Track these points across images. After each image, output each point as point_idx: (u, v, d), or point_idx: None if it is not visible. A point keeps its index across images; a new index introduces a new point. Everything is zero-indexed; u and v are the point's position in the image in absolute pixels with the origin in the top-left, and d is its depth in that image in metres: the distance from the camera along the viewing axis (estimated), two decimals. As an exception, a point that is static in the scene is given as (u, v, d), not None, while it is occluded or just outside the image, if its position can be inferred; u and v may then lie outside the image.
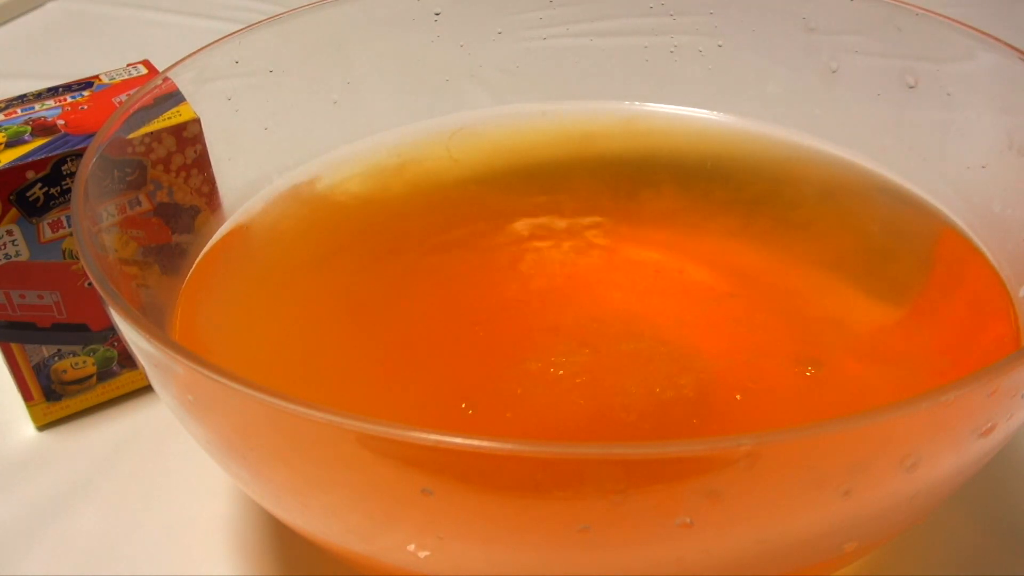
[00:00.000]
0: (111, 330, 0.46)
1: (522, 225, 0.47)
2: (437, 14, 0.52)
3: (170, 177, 0.43)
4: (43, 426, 0.48)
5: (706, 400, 0.37)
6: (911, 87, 0.46)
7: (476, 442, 0.24)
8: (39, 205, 0.42)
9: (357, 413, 0.24)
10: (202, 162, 0.44)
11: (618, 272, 0.45)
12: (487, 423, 0.36)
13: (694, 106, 0.53)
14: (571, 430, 0.36)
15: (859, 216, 0.47)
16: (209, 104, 0.45)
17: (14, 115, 0.44)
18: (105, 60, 0.54)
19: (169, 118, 0.43)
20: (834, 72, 0.50)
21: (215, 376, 0.26)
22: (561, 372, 0.38)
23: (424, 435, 0.24)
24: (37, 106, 0.44)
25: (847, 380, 0.38)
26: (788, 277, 0.44)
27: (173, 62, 0.44)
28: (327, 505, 0.31)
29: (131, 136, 0.41)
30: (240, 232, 0.46)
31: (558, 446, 0.24)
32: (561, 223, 0.47)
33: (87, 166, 0.37)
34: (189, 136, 0.43)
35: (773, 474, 0.25)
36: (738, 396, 0.37)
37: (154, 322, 0.35)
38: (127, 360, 0.48)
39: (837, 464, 0.26)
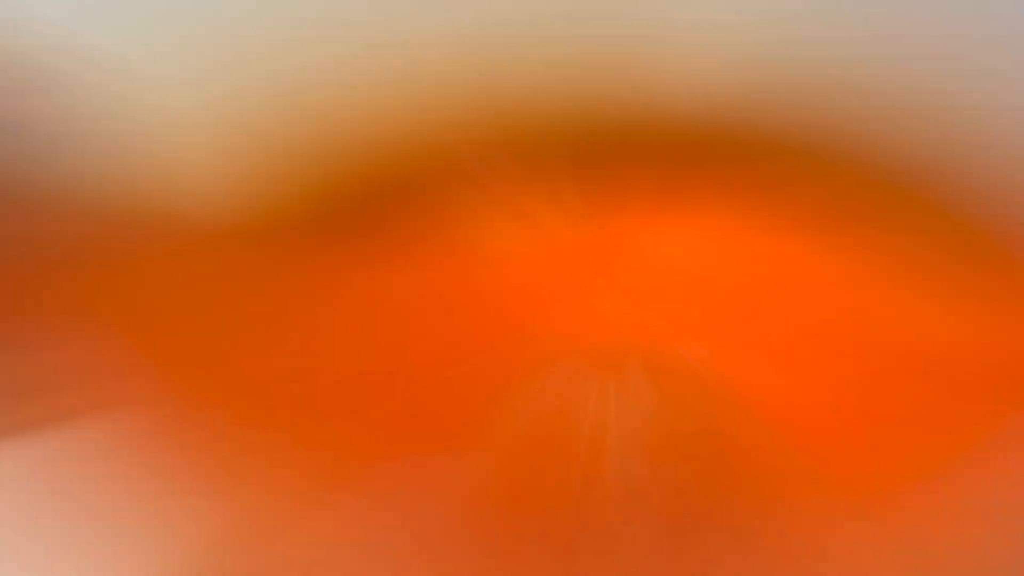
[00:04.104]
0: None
1: (501, 209, 0.40)
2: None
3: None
4: None
5: (725, 425, 0.33)
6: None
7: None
8: None
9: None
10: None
11: (617, 270, 0.39)
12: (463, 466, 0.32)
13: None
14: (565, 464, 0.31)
15: (924, 201, 0.42)
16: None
17: None
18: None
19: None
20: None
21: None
22: (557, 387, 0.33)
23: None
24: None
25: (900, 404, 0.34)
26: (828, 273, 0.39)
27: None
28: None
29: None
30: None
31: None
32: (544, 208, 0.41)
33: None
34: None
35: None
36: (765, 421, 0.33)
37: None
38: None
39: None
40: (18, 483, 0.30)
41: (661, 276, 0.40)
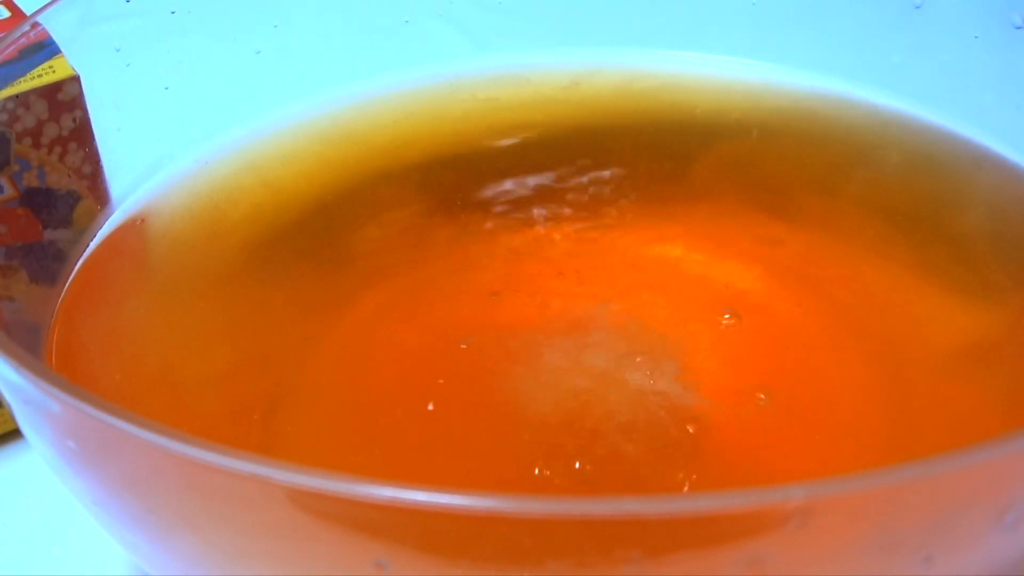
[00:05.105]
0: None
1: (504, 215, 0.42)
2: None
3: (41, 154, 0.39)
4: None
5: (743, 438, 0.33)
6: (1019, 28, 0.42)
7: (443, 499, 0.21)
8: None
9: (289, 463, 0.21)
10: (83, 134, 0.40)
11: (631, 274, 0.40)
12: (456, 473, 0.32)
13: (735, 54, 0.48)
14: (560, 481, 0.32)
15: (950, 198, 0.42)
16: (92, 57, 0.40)
17: None
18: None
19: (39, 76, 0.39)
20: (918, 8, 0.45)
21: (104, 416, 0.23)
22: (547, 406, 0.33)
23: (375, 490, 0.21)
24: None
25: (931, 408, 0.34)
26: (855, 276, 0.39)
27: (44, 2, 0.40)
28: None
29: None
30: (134, 227, 0.42)
31: (550, 502, 0.21)
32: (556, 212, 0.42)
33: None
34: (66, 99, 0.39)
35: (832, 536, 0.23)
36: (788, 430, 0.33)
37: (22, 345, 0.30)
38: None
39: (916, 522, 0.23)
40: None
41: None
